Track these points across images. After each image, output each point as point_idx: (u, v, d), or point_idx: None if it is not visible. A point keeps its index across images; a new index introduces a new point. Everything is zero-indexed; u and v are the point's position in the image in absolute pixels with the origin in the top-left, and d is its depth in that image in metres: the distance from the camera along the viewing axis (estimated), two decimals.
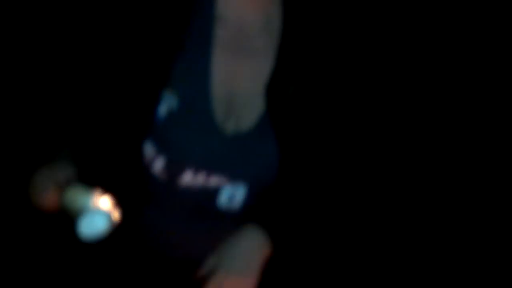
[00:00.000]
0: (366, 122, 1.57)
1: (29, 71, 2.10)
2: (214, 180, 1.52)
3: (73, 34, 1.75)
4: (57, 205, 1.45)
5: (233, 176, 1.52)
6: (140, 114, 1.51)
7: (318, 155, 1.55)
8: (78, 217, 1.37)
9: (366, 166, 1.57)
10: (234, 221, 1.53)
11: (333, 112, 1.55)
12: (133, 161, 1.53)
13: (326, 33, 1.56)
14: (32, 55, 2.11)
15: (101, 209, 1.38)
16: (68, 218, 1.40)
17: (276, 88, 1.53)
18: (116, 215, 1.40)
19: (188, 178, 1.51)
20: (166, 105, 1.51)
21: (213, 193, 1.53)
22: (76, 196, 1.42)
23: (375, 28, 1.60)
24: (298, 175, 1.53)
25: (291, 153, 1.52)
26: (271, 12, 1.57)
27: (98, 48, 1.56)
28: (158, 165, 1.52)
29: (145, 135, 1.51)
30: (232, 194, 1.53)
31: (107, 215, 1.38)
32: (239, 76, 1.54)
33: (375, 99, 1.59)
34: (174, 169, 1.51)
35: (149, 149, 1.52)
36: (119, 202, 1.42)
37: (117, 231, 1.41)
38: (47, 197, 1.46)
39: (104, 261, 1.60)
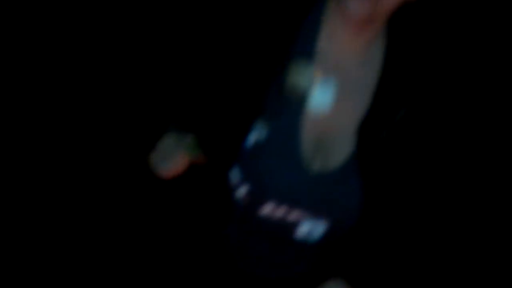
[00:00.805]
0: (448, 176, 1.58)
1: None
2: (294, 214, 1.53)
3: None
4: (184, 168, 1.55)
5: (314, 212, 1.52)
6: (231, 141, 1.53)
7: (401, 202, 1.54)
8: None
9: (449, 217, 1.59)
10: (311, 251, 1.57)
11: (422, 162, 1.53)
12: (221, 182, 1.56)
13: (428, 75, 1.51)
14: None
15: None
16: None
17: (369, 129, 1.50)
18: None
19: (269, 209, 1.53)
20: (257, 134, 1.51)
21: (292, 225, 1.54)
22: None
23: (478, 77, 1.56)
24: (380, 219, 1.54)
25: (375, 198, 1.51)
26: (373, 47, 1.51)
27: (204, 71, 1.58)
28: (242, 191, 1.54)
29: (234, 160, 1.53)
30: (311, 229, 1.55)
31: None
32: (333, 113, 1.51)
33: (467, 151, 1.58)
34: (256, 198, 1.53)
35: (235, 175, 1.54)
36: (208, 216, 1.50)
37: (203, 242, 1.51)
38: (178, 161, 1.54)
39: (187, 269, 1.68)
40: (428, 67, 1.51)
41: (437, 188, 1.59)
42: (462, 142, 1.67)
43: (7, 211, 2.44)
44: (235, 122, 1.52)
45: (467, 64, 1.63)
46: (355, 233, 1.54)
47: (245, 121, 1.51)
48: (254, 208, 1.54)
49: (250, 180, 1.52)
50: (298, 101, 1.50)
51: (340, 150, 1.51)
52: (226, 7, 1.54)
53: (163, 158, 1.55)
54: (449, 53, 1.56)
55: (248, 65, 1.50)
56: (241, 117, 1.51)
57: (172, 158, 1.54)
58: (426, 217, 1.67)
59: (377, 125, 1.50)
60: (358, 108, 1.51)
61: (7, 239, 2.39)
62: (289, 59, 1.49)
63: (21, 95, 2.54)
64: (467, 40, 1.75)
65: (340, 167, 1.51)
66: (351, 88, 1.51)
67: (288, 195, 1.52)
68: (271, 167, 1.51)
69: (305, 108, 1.50)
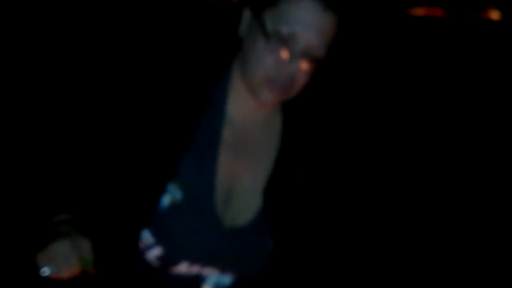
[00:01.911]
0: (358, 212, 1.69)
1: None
2: (205, 271, 1.58)
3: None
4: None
5: (224, 267, 1.59)
6: (143, 202, 1.54)
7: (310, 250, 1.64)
8: None
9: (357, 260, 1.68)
10: None
11: (325, 212, 1.65)
12: (129, 245, 1.56)
13: (321, 139, 1.66)
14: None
15: None
16: None
17: (273, 188, 1.61)
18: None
19: (183, 269, 1.57)
20: (170, 196, 1.55)
21: (200, 279, 1.59)
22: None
23: (371, 139, 1.74)
24: (289, 266, 1.62)
25: (284, 248, 1.61)
26: (272, 116, 1.65)
27: (111, 133, 1.58)
28: (154, 253, 1.56)
29: (145, 222, 1.55)
30: (218, 282, 1.60)
31: None
32: (240, 174, 1.61)
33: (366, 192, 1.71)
34: (169, 260, 1.56)
35: (147, 237, 1.56)
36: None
37: None
38: (70, 271, 1.46)
39: None
40: (319, 133, 1.67)
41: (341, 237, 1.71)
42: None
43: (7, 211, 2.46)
44: (146, 185, 1.54)
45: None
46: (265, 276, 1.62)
47: (157, 184, 1.55)
48: (166, 269, 1.57)
49: (163, 242, 1.56)
50: (210, 155, 1.58)
51: (249, 207, 1.61)
52: (136, 77, 1.59)
53: (53, 263, 1.46)
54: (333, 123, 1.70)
55: (163, 130, 1.56)
56: (152, 180, 1.55)
57: (64, 267, 1.46)
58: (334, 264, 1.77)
59: (281, 185, 1.62)
60: (262, 169, 1.63)
61: (7, 239, 2.41)
62: (200, 122, 1.57)
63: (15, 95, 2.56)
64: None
65: (249, 223, 1.60)
66: (254, 150, 1.63)
67: (201, 254, 1.57)
68: (186, 227, 1.56)
69: (216, 165, 1.59)
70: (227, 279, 1.60)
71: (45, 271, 1.46)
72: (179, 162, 1.55)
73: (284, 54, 1.50)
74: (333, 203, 1.65)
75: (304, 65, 1.52)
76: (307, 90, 1.57)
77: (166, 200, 1.55)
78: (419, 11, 12.64)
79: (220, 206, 1.58)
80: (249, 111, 1.62)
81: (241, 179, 1.61)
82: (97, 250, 1.49)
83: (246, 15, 1.57)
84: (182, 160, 1.55)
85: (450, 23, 11.84)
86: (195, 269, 1.57)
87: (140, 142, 1.55)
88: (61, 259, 1.45)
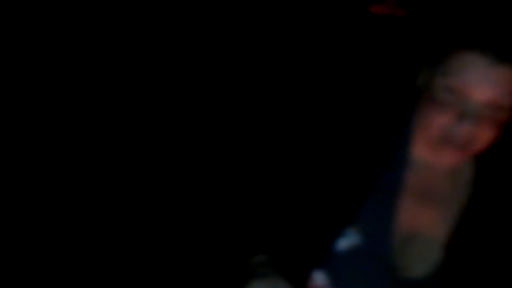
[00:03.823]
0: None
1: None
2: None
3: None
4: None
5: None
6: (320, 244, 1.51)
7: None
8: None
9: None
10: None
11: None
12: (304, 285, 1.54)
13: None
14: None
15: None
16: None
17: (456, 242, 1.52)
18: None
19: None
20: (348, 240, 1.52)
21: None
22: None
23: None
24: None
25: None
26: (462, 165, 1.56)
27: (298, 174, 1.56)
28: None
29: (321, 263, 1.52)
30: None
31: None
32: (420, 222, 1.54)
33: None
34: None
35: (319, 277, 1.53)
36: None
37: None
38: None
39: None
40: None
41: None
42: None
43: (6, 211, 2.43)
44: (325, 228, 1.52)
45: None
46: None
47: (337, 227, 1.51)
48: None
49: (337, 284, 1.53)
50: (392, 202, 1.52)
51: (426, 258, 1.53)
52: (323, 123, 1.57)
53: None
54: None
55: (345, 175, 1.52)
56: (332, 223, 1.52)
57: None
58: None
59: (466, 240, 1.52)
60: (445, 219, 1.55)
61: (7, 239, 2.38)
62: (384, 167, 1.52)
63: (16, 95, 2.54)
64: None
65: (425, 276, 1.53)
66: (439, 199, 1.55)
67: None
68: (361, 272, 1.52)
69: (397, 211, 1.53)
70: None
71: None
72: (361, 207, 1.51)
73: (458, 111, 1.42)
74: None
75: (485, 120, 1.42)
76: (505, 141, 1.48)
77: (343, 243, 1.52)
78: None
79: (397, 253, 1.52)
80: (435, 160, 1.53)
81: (422, 228, 1.54)
82: None
83: (424, 68, 1.51)
84: (364, 205, 1.51)
85: None
86: None
87: (325, 184, 1.52)
88: None
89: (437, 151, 1.46)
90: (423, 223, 1.54)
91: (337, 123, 1.55)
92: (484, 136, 1.43)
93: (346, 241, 1.52)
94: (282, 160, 1.57)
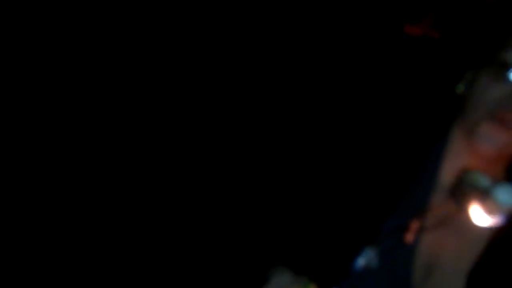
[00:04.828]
0: None
1: None
2: None
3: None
4: None
5: None
6: (339, 261, 1.49)
7: None
8: None
9: None
10: None
11: None
12: None
13: None
14: None
15: None
16: None
17: (482, 271, 1.45)
18: None
19: None
20: (366, 259, 1.47)
21: None
22: None
23: None
24: None
25: None
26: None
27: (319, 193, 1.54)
28: None
29: (337, 282, 1.48)
30: None
31: None
32: (444, 248, 1.47)
33: None
34: None
35: None
36: None
37: None
38: None
39: None
40: None
41: None
42: None
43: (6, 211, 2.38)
44: (345, 245, 1.49)
45: None
46: None
47: (355, 247, 1.48)
48: None
49: None
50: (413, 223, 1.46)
51: (449, 286, 1.47)
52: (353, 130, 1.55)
53: None
54: None
55: (365, 194, 1.50)
56: (351, 243, 1.49)
57: None
58: None
59: (492, 270, 1.45)
60: (470, 246, 1.47)
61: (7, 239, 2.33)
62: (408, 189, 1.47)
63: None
64: None
65: None
66: (464, 224, 1.45)
67: None
68: None
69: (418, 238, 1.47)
70: None
71: None
72: (380, 227, 1.46)
73: None
74: None
75: None
76: None
77: (361, 261, 1.47)
78: None
79: (419, 278, 1.46)
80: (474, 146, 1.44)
81: (445, 254, 1.47)
82: None
83: (468, 75, 1.44)
84: (384, 225, 1.46)
85: None
86: None
87: (347, 201, 1.49)
88: None
89: (478, 134, 1.35)
90: (447, 249, 1.47)
91: (365, 142, 1.52)
92: None
93: (363, 260, 1.47)
94: (302, 176, 1.54)
